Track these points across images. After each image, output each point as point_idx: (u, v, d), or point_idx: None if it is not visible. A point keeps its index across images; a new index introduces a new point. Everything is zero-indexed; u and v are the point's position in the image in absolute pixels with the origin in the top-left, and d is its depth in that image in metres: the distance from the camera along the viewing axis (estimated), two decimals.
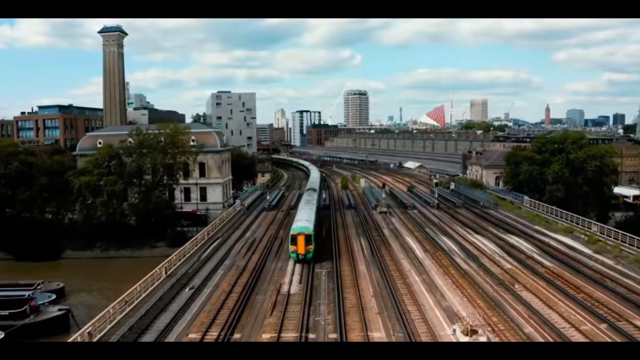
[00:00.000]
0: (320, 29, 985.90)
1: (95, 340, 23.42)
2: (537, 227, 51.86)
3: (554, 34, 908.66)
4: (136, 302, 28.85)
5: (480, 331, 24.26)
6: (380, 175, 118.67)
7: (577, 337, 24.54)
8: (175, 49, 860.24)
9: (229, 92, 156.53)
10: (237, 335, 25.44)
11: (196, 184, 79.48)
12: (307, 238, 37.76)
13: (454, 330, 24.91)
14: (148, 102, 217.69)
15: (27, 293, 46.03)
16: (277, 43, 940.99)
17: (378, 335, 25.09)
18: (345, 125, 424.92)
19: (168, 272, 34.85)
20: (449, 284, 33.13)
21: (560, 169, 63.91)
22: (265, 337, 25.08)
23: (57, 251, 65.83)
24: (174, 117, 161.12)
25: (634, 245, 41.32)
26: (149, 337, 25.40)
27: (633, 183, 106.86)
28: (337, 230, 52.27)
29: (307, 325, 26.31)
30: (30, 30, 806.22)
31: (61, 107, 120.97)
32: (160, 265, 34.89)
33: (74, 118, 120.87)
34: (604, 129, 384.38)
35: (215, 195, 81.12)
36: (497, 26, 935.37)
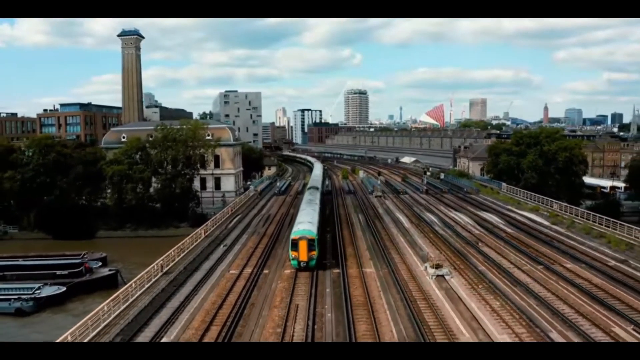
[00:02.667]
0: (320, 28, 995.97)
1: (169, 269, 32.36)
2: (509, 207, 60.75)
3: (554, 33, 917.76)
4: (187, 250, 37.90)
5: (443, 265, 33.29)
6: (378, 169, 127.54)
7: (517, 273, 33.41)
8: (175, 48, 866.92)
9: (236, 91, 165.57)
10: (265, 271, 34.58)
11: (212, 174, 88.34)
12: (310, 243, 33.53)
13: (426, 267, 33.90)
14: (156, 101, 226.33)
15: (78, 260, 55.00)
16: (277, 42, 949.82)
17: (369, 270, 34.19)
18: (345, 124, 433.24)
19: (206, 233, 43.93)
20: (427, 242, 42.13)
21: (535, 159, 72.80)
22: (287, 272, 34.10)
23: (92, 231, 74.65)
24: (182, 115, 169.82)
25: (584, 218, 50.30)
26: (199, 274, 34.43)
27: (614, 176, 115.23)
28: (339, 209, 61.30)
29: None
30: (30, 29, 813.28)
31: (81, 105, 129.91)
32: (200, 228, 43.97)
33: (93, 115, 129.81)
34: (598, 128, 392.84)
35: (228, 184, 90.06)
36: (497, 25, 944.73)
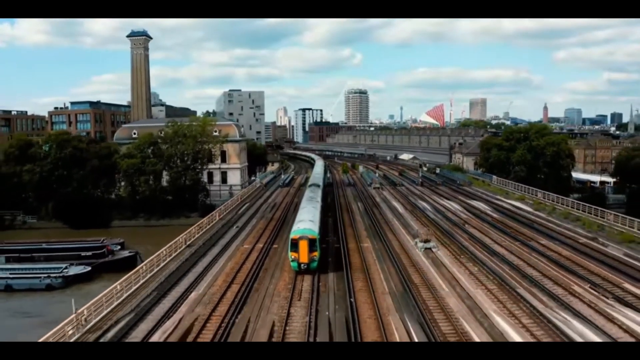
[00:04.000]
0: (320, 27, 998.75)
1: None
2: (497, 197, 65.35)
3: (554, 33, 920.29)
4: (205, 229, 42.68)
5: (431, 240, 38.01)
6: (377, 164, 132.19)
7: (496, 247, 37.96)
8: (175, 48, 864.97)
9: (240, 90, 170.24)
10: (275, 246, 39.26)
11: (219, 168, 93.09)
12: (311, 243, 31.10)
13: (416, 242, 38.55)
14: (160, 100, 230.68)
15: (100, 243, 59.69)
16: (277, 42, 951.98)
17: (366, 245, 38.93)
18: (346, 124, 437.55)
19: (220, 216, 48.65)
20: (419, 224, 46.77)
21: (524, 153, 77.47)
22: None
23: (107, 220, 79.23)
24: (187, 113, 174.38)
25: (564, 205, 54.99)
26: (217, 248, 39.13)
27: (605, 172, 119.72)
28: (339, 198, 66.05)
29: None
30: (31, 29, 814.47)
31: (91, 103, 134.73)
32: (214, 211, 48.67)
33: (102, 112, 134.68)
34: (596, 127, 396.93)
35: (234, 178, 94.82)
36: (497, 25, 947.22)
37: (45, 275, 49.90)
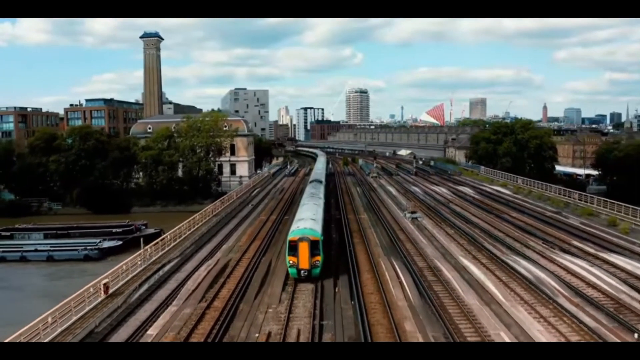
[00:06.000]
0: (321, 27, 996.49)
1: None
2: (483, 183, 72.49)
3: (555, 33, 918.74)
4: (227, 204, 50.01)
5: (418, 211, 45.23)
6: (374, 157, 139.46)
7: (473, 218, 45.09)
8: (175, 47, 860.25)
9: (245, 88, 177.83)
10: (286, 217, 46.38)
11: (228, 160, 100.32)
12: (313, 246, 26.74)
13: (405, 213, 45.74)
14: (167, 98, 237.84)
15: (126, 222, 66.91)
16: (278, 41, 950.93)
17: (363, 216, 46.12)
18: (347, 122, 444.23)
19: (238, 196, 55.97)
20: (409, 202, 53.96)
21: (509, 146, 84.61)
22: None
23: (127, 207, 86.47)
24: (194, 111, 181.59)
25: (539, 188, 62.12)
26: (238, 219, 46.36)
27: (592, 166, 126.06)
28: (340, 184, 73.34)
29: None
30: (32, 28, 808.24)
31: (105, 101, 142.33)
32: (232, 192, 56.00)
33: (115, 109, 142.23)
34: (593, 127, 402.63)
35: (242, 170, 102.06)
36: (497, 25, 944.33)
37: (83, 247, 57.12)
